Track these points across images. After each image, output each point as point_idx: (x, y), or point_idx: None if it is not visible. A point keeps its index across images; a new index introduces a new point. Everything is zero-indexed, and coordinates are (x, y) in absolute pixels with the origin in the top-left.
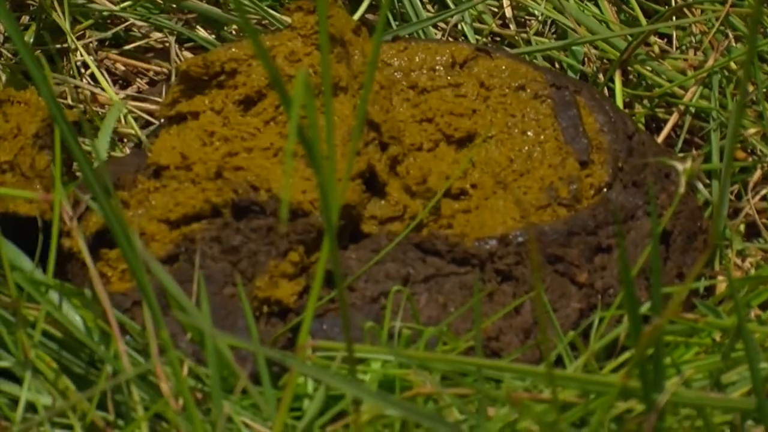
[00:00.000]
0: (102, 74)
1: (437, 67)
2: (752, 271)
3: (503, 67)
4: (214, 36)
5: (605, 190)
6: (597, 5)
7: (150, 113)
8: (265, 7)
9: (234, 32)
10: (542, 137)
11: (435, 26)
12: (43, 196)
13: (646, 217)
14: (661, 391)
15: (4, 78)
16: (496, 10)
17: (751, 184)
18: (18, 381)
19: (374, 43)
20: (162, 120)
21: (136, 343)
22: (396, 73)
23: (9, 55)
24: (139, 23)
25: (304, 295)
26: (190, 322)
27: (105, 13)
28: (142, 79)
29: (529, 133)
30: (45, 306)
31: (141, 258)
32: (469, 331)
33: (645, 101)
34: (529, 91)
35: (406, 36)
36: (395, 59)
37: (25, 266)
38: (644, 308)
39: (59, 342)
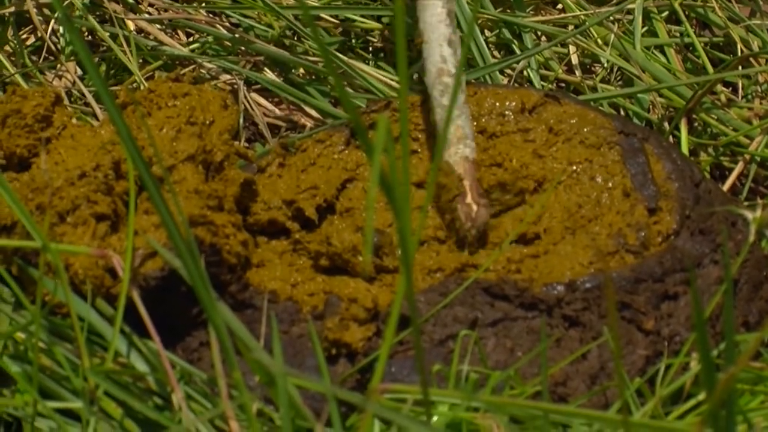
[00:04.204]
0: None
1: (506, 113)
2: None
3: (572, 113)
4: (282, 79)
5: (672, 237)
6: (663, 53)
7: None
8: (335, 52)
9: (300, 75)
10: (610, 184)
11: (501, 72)
12: (98, 252)
13: (713, 265)
14: None
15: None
16: (562, 56)
17: None
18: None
19: (452, 95)
20: None
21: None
22: None
23: (78, 95)
24: (208, 65)
25: (372, 337)
26: (262, 364)
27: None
28: None
29: (597, 179)
30: (111, 351)
31: (216, 305)
32: (536, 375)
33: (710, 149)
34: (597, 137)
35: (473, 81)
36: None
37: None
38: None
39: (125, 386)
